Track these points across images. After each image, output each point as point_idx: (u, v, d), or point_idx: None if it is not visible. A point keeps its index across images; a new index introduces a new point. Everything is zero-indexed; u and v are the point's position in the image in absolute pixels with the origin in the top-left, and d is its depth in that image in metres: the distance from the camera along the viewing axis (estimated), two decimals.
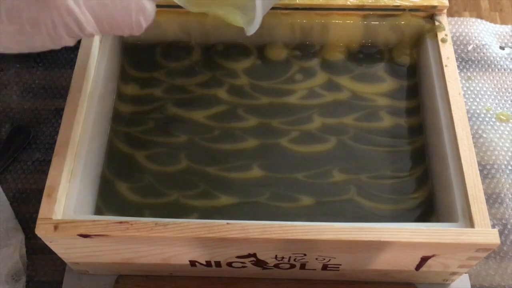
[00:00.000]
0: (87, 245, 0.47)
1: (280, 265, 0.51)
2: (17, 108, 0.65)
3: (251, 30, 0.48)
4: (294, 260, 0.49)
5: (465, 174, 0.48)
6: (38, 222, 0.46)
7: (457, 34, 0.71)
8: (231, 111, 0.60)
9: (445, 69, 0.55)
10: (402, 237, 0.45)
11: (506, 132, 0.64)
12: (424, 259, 0.48)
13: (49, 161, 0.49)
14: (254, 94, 0.61)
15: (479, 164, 0.61)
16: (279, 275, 0.53)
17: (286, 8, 0.60)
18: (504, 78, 0.68)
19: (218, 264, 0.51)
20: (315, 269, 0.51)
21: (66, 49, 0.69)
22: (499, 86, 0.68)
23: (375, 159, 0.56)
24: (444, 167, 0.51)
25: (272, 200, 0.54)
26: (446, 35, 0.57)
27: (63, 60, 0.69)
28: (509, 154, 0.62)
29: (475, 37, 0.71)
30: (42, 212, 0.46)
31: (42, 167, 0.61)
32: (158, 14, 0.59)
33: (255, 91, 0.61)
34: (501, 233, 0.58)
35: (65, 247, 0.48)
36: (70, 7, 0.36)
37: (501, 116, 0.65)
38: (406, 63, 0.62)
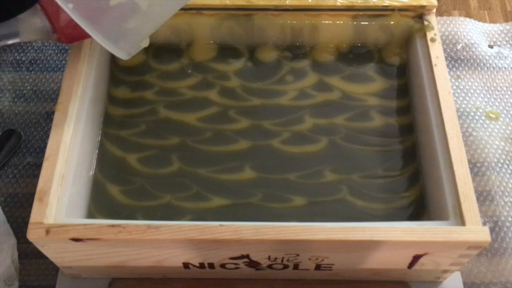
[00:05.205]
0: (79, 249, 0.47)
1: (273, 266, 0.51)
2: (7, 112, 0.65)
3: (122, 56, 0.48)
4: (287, 260, 0.49)
5: (455, 172, 0.49)
6: (29, 226, 0.45)
7: (446, 33, 0.72)
8: (223, 113, 0.60)
9: (434, 68, 0.55)
10: (394, 236, 0.45)
11: (496, 130, 0.64)
12: (416, 258, 0.48)
13: (40, 165, 0.48)
14: (245, 95, 0.61)
15: (469, 162, 0.61)
16: (272, 275, 0.53)
17: (276, 10, 0.60)
18: (493, 76, 0.69)
19: (211, 265, 0.51)
20: (308, 269, 0.52)
21: (56, 53, 0.69)
22: (488, 84, 0.68)
23: (367, 159, 0.57)
24: (434, 166, 0.51)
25: (264, 201, 0.54)
26: (435, 34, 0.58)
27: (53, 64, 0.68)
28: (499, 151, 0.63)
29: (464, 36, 0.72)
30: (34, 216, 0.46)
31: (33, 171, 0.61)
32: None
33: (246, 92, 0.61)
34: (491, 230, 0.58)
35: (57, 251, 0.48)
36: None
37: (491, 114, 0.65)
38: (396, 63, 0.62)
